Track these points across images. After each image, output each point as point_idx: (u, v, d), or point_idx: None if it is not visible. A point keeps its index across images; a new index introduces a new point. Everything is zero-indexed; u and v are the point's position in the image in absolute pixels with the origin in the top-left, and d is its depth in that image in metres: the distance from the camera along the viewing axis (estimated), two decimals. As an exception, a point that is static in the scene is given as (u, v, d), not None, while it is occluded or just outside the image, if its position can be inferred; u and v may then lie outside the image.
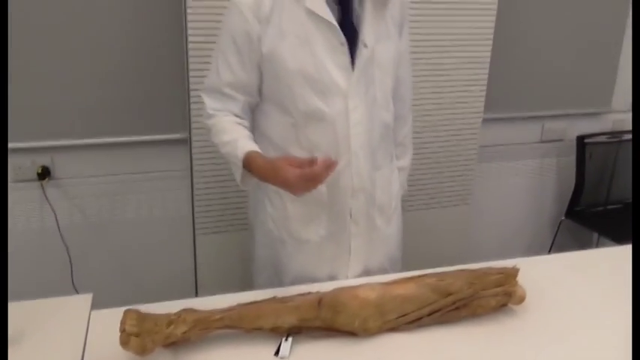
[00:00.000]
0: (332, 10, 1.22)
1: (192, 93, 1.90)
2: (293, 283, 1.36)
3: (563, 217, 2.74)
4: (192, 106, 1.91)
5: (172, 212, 2.27)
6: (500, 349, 1.12)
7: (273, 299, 1.14)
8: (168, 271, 2.32)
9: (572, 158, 2.70)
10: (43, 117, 2.01)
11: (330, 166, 1.11)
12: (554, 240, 2.85)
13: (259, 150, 1.24)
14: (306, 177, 1.11)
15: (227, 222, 2.07)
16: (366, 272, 1.42)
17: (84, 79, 2.02)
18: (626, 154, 2.75)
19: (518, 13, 2.43)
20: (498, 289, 1.20)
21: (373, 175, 1.37)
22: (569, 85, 2.64)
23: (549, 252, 2.86)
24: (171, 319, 1.05)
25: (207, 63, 2.00)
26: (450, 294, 1.17)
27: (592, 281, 1.38)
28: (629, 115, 2.82)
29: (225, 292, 1.24)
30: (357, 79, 1.27)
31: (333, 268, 1.40)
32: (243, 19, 1.21)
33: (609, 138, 2.72)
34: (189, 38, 1.85)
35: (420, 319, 1.16)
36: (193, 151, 1.96)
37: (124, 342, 0.97)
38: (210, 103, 1.32)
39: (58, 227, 2.13)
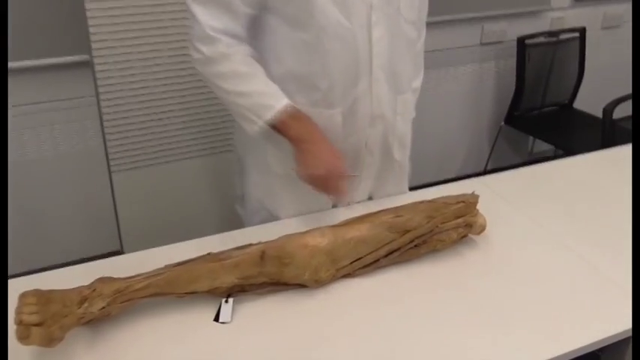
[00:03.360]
0: None
1: (88, 7, 1.59)
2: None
3: (502, 123, 2.68)
4: (90, 22, 1.60)
5: (81, 147, 1.99)
6: (464, 286, 1.02)
7: (208, 256, 0.97)
8: (83, 219, 2.07)
9: (511, 61, 2.59)
10: None
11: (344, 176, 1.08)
12: (493, 146, 2.81)
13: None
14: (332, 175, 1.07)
15: (146, 155, 1.82)
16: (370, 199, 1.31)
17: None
18: (563, 54, 2.67)
19: None
20: (459, 220, 1.09)
21: (394, 101, 1.20)
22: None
23: (489, 157, 2.83)
24: (84, 295, 0.86)
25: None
26: (407, 231, 1.05)
27: (550, 197, 1.30)
28: (568, 13, 2.72)
29: (152, 236, 1.05)
30: None
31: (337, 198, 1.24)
32: None
33: (547, 38, 2.61)
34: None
35: (376, 261, 1.04)
36: (97, 75, 1.67)
37: (23, 336, 0.77)
38: (204, 17, 1.04)
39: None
